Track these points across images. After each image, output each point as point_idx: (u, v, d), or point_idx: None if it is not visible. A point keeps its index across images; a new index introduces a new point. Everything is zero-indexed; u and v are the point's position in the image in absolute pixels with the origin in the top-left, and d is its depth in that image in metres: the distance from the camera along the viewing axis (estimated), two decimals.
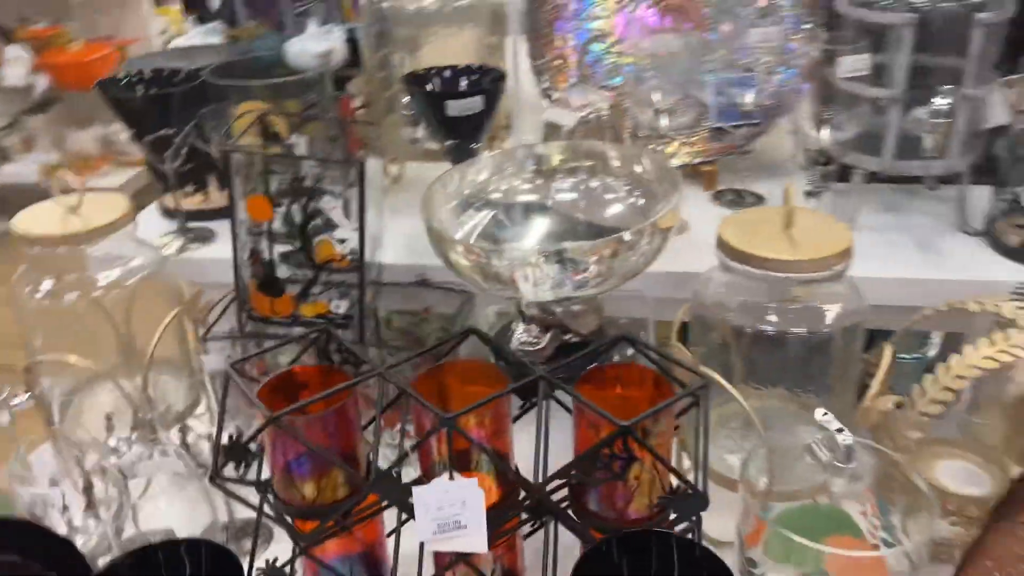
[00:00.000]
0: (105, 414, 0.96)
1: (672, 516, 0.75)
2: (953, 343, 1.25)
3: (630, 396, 0.80)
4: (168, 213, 1.24)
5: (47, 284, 1.01)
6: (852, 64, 0.96)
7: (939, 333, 1.74)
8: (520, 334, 0.88)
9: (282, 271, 0.99)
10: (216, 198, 1.23)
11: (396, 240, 1.13)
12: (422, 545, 0.73)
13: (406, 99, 1.06)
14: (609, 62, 1.25)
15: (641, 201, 0.87)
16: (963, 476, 0.90)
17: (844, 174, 1.13)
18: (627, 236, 0.78)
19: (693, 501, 0.71)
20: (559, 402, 0.81)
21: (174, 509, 0.89)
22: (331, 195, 0.98)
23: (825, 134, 1.03)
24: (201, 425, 1.12)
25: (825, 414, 0.81)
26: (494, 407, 0.76)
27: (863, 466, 0.82)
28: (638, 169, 0.88)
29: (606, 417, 0.69)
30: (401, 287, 1.11)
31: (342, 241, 0.97)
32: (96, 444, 0.92)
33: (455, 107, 0.97)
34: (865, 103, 1.00)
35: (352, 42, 1.31)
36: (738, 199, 1.22)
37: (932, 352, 1.69)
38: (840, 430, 0.78)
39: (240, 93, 1.08)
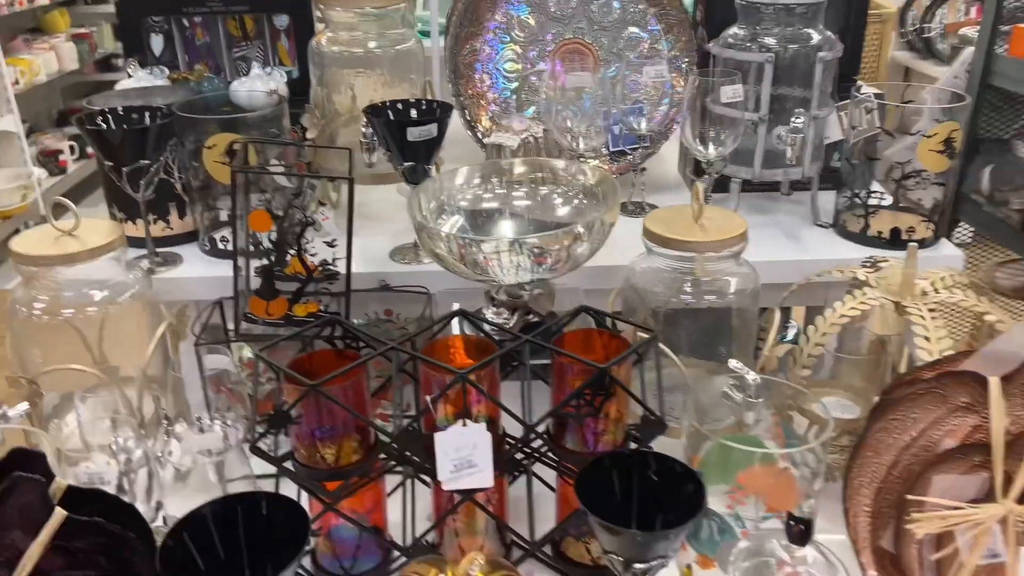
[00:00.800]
0: (111, 416, 1.05)
1: (633, 446, 0.94)
2: (811, 317, 1.54)
3: (593, 355, 0.99)
4: (129, 241, 1.33)
5: (40, 304, 1.09)
6: (730, 93, 1.21)
7: (797, 321, 2.06)
8: (491, 315, 1.06)
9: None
10: (177, 225, 1.33)
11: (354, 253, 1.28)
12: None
13: (364, 127, 1.22)
14: (523, 98, 1.46)
15: (585, 203, 1.07)
16: (838, 407, 1.15)
17: (723, 183, 1.39)
18: (580, 228, 0.98)
19: (656, 427, 0.91)
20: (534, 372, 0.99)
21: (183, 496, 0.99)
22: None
23: (711, 150, 1.28)
24: (181, 429, 1.21)
25: (737, 363, 1.04)
26: (489, 370, 0.93)
27: (767, 401, 1.06)
28: (582, 178, 1.08)
29: (586, 363, 0.88)
30: (366, 293, 1.25)
31: (320, 250, 1.11)
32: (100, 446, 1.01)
33: (414, 133, 1.14)
34: (739, 124, 1.25)
35: (288, 84, 1.46)
36: (639, 209, 1.46)
37: (791, 334, 2.00)
38: (750, 373, 1.01)
39: (210, 127, 1.21)
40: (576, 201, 1.09)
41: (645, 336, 0.95)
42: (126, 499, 0.93)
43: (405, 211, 1.31)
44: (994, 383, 0.85)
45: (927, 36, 3.63)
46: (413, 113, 1.23)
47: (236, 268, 1.07)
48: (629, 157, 1.50)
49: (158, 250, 1.30)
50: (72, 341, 1.16)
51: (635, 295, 1.15)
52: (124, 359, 1.18)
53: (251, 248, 1.13)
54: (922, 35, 3.64)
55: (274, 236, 1.11)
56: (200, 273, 1.26)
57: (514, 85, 1.50)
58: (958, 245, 1.36)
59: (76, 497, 0.79)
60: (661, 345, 0.95)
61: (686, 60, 1.49)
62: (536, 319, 1.08)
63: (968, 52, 1.66)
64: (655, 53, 1.49)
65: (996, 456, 0.83)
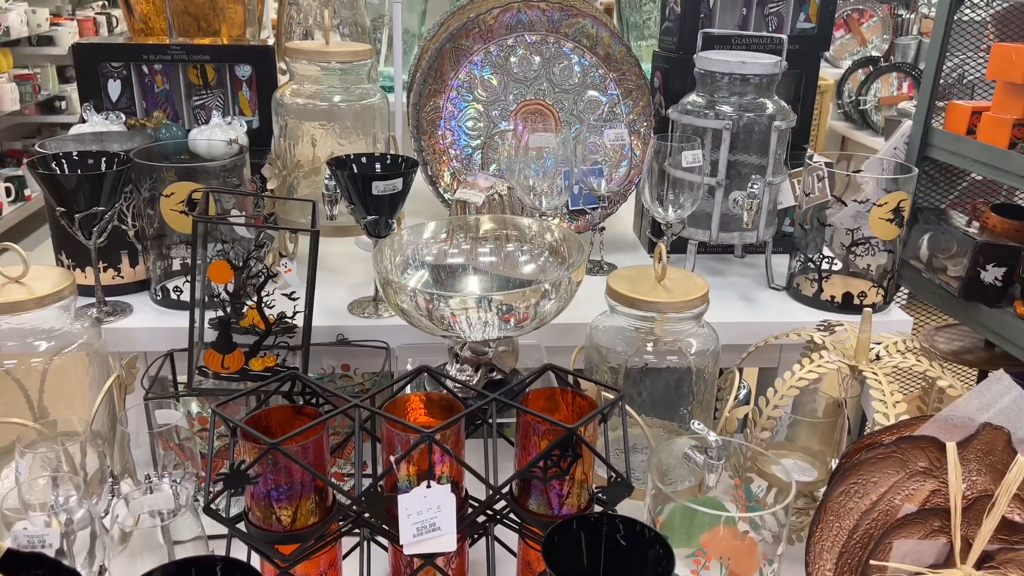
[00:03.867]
0: (51, 474, 0.99)
1: (598, 509, 0.93)
2: (765, 377, 1.56)
3: (558, 414, 0.99)
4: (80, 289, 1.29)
5: None
6: (690, 158, 1.24)
7: (748, 381, 2.09)
8: (455, 372, 1.05)
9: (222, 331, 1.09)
10: (128, 274, 1.29)
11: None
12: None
13: (327, 179, 1.21)
14: (486, 155, 1.48)
15: (550, 261, 1.08)
16: (796, 470, 1.16)
17: (679, 244, 1.42)
18: (547, 286, 0.98)
19: (623, 489, 0.90)
20: (499, 433, 0.98)
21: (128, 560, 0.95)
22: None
23: (670, 212, 1.30)
24: (127, 487, 1.15)
25: (699, 424, 1.04)
26: (454, 429, 0.91)
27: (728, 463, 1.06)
28: (548, 237, 1.09)
29: (555, 423, 0.87)
30: (323, 347, 1.23)
31: (278, 302, 1.09)
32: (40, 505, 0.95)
33: (380, 187, 1.14)
34: (698, 188, 1.28)
35: (249, 133, 1.45)
36: (597, 267, 1.47)
37: (743, 394, 2.03)
38: (711, 434, 1.01)
39: (168, 175, 1.18)
40: (542, 259, 1.09)
41: (610, 396, 0.94)
42: (66, 562, 0.88)
43: (363, 264, 1.30)
44: (951, 448, 0.87)
45: (862, 108, 3.80)
46: (378, 167, 1.23)
47: (192, 319, 1.04)
48: (588, 216, 1.52)
49: (107, 299, 1.25)
50: (12, 392, 1.11)
51: (597, 353, 1.15)
52: (68, 412, 1.13)
53: (207, 299, 1.10)
54: (858, 107, 3.81)
55: (231, 287, 1.08)
56: (150, 323, 1.22)
57: (476, 142, 1.52)
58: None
59: (14, 561, 0.74)
60: (626, 407, 0.95)
61: (644, 124, 1.53)
62: (500, 376, 1.07)
63: (907, 125, 1.74)
64: (614, 116, 1.53)
65: (955, 521, 0.85)
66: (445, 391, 0.97)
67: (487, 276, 1.10)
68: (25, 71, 4.91)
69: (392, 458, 0.86)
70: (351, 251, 1.50)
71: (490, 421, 0.92)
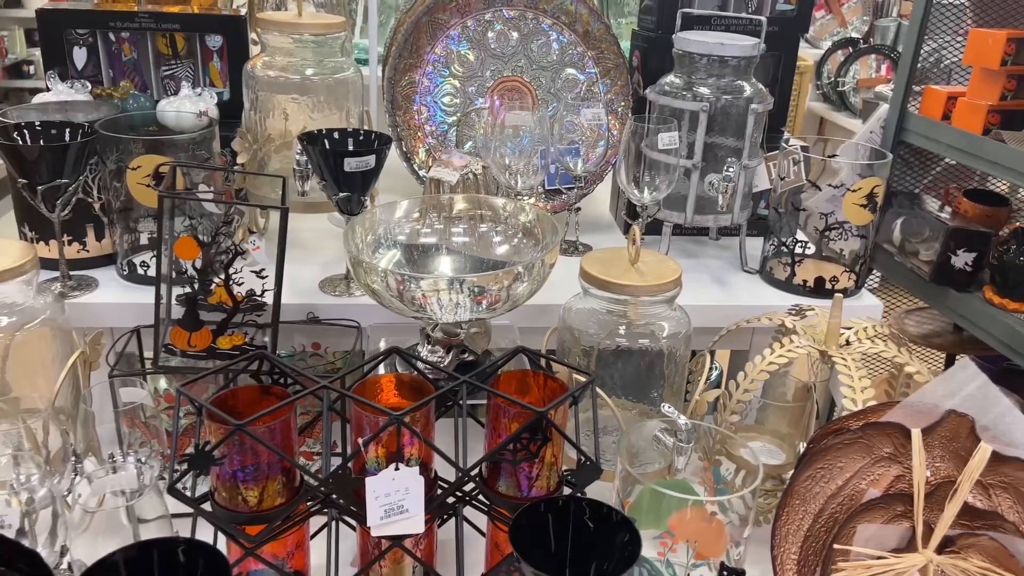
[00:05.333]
0: (12, 453, 0.98)
1: (567, 492, 0.93)
2: (736, 360, 1.57)
3: (529, 396, 0.98)
4: (41, 263, 1.26)
5: None
6: (667, 140, 1.24)
7: (720, 363, 2.10)
8: (427, 353, 1.04)
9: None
10: (94, 248, 1.27)
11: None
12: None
13: (298, 155, 1.19)
14: (461, 132, 1.46)
15: (524, 242, 1.07)
16: (764, 453, 1.17)
17: (654, 226, 1.41)
18: (520, 268, 0.98)
19: (592, 471, 0.90)
20: (469, 413, 0.97)
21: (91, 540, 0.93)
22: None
23: (645, 195, 1.29)
24: (91, 465, 1.14)
25: (669, 407, 1.04)
26: (424, 411, 0.90)
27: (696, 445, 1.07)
28: (521, 217, 1.08)
29: (526, 407, 0.87)
30: (293, 325, 1.21)
31: (247, 279, 1.07)
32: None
33: (352, 163, 1.12)
34: (674, 170, 1.28)
35: (219, 105, 1.42)
36: (572, 248, 1.46)
37: (714, 375, 2.04)
38: (681, 417, 1.01)
39: (135, 147, 1.16)
40: (516, 240, 1.08)
41: (581, 379, 0.94)
42: (27, 542, 0.87)
43: (336, 241, 1.28)
44: (916, 435, 0.88)
45: (841, 90, 3.81)
46: (350, 143, 1.21)
47: (158, 296, 1.02)
48: (564, 196, 1.51)
49: (72, 273, 1.23)
50: None
51: (569, 335, 1.14)
52: (30, 389, 1.11)
53: (174, 275, 1.08)
54: (836, 88, 3.82)
55: (199, 263, 1.07)
56: (116, 299, 1.20)
57: (452, 119, 1.50)
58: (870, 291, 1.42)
59: None
60: (597, 389, 0.95)
61: (622, 104, 1.52)
62: (471, 358, 1.07)
63: (883, 109, 1.74)
64: (591, 95, 1.51)
65: (917, 506, 0.86)
66: (415, 372, 0.97)
67: (460, 257, 1.09)
68: None
69: (360, 440, 0.85)
70: (323, 227, 1.48)
71: (461, 403, 0.91)
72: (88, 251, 1.27)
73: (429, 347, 1.04)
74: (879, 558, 0.86)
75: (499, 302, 0.98)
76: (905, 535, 0.88)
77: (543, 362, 0.98)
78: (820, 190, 1.31)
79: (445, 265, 1.10)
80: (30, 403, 1.09)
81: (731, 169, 1.30)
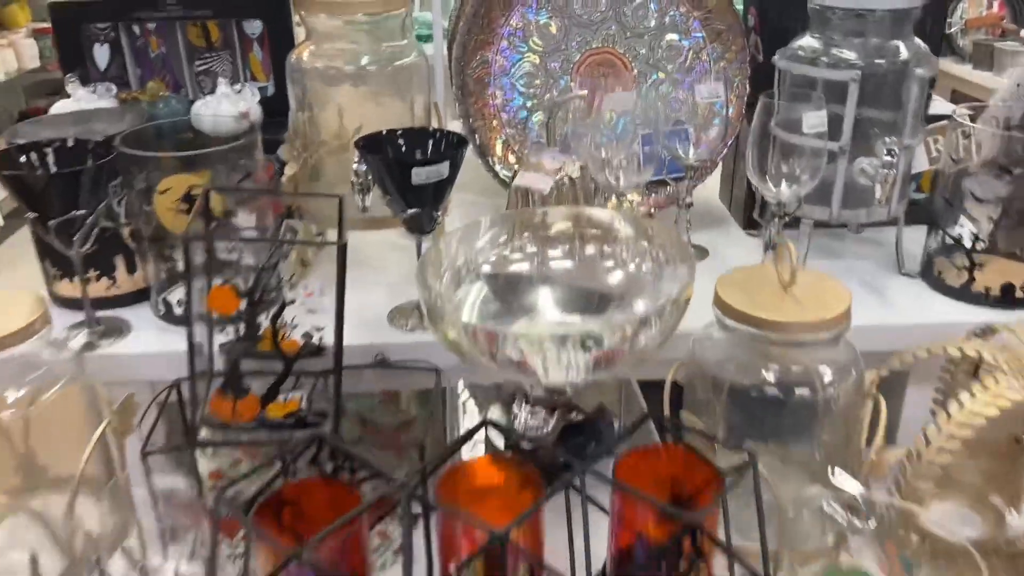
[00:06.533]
0: (30, 555, 0.80)
1: None
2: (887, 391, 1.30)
3: (657, 472, 0.76)
4: (65, 303, 1.08)
5: None
6: (814, 120, 0.98)
7: None
8: (525, 417, 0.82)
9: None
10: (126, 283, 1.08)
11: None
12: None
13: (356, 163, 0.98)
14: (552, 125, 1.22)
15: (648, 272, 0.84)
16: (956, 518, 0.92)
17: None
18: (650, 312, 0.74)
19: None
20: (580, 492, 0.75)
21: None
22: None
23: (783, 189, 1.04)
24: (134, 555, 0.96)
25: (842, 474, 0.81)
26: (534, 514, 0.69)
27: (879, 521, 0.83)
28: (644, 241, 0.84)
29: (669, 512, 0.64)
30: (358, 370, 1.01)
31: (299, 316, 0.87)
32: None
33: (421, 174, 0.90)
34: (820, 157, 1.02)
35: (263, 102, 1.21)
36: None
37: None
38: (857, 486, 0.78)
39: (163, 165, 0.96)
40: (635, 270, 0.85)
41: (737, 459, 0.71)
42: None
43: (404, 255, 1.08)
44: None
45: (947, 32, 3.41)
46: (417, 151, 0.99)
47: (192, 362, 0.82)
48: (670, 189, 1.26)
49: (100, 315, 1.05)
50: None
51: (700, 372, 0.91)
52: (57, 461, 0.94)
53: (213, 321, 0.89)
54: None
55: (242, 307, 0.87)
56: (152, 347, 1.01)
57: (532, 102, 1.26)
58: None
59: None
60: (761, 468, 0.72)
61: (737, 74, 1.26)
62: (580, 417, 0.85)
63: None
64: (698, 64, 1.26)
65: None
66: (512, 453, 0.75)
67: (563, 288, 0.86)
68: (44, 24, 4.68)
69: (452, 566, 0.64)
70: (388, 239, 1.26)
71: (578, 490, 0.69)
72: (119, 287, 1.08)
73: (529, 408, 0.82)
74: None
75: (622, 356, 0.75)
76: None
77: (675, 430, 0.75)
78: (1011, 174, 1.03)
79: (545, 300, 0.87)
80: (55, 480, 0.92)
81: (891, 151, 1.03)
